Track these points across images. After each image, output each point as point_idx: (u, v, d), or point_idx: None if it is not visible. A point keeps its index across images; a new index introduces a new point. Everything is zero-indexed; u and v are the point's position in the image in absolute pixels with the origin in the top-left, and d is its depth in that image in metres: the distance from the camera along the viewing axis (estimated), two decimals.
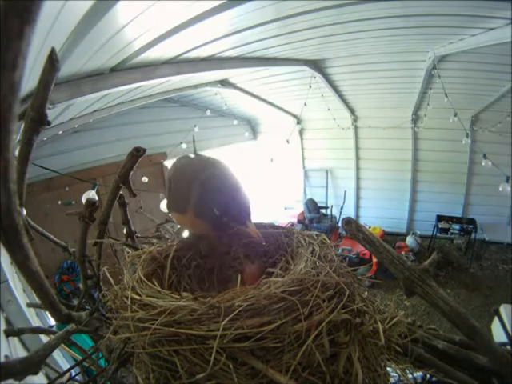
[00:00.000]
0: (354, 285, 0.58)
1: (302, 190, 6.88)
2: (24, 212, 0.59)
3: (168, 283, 0.67)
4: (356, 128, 5.94)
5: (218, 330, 0.44)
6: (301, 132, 6.49)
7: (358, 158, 6.22)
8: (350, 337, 0.49)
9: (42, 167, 2.49)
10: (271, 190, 6.99)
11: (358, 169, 6.32)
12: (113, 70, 2.07)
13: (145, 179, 3.77)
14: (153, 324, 0.47)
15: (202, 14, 1.71)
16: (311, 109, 5.08)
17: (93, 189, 2.20)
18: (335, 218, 6.22)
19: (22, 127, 0.48)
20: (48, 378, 0.95)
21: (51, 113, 2.11)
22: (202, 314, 0.47)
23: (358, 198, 6.50)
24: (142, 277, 0.60)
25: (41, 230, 0.84)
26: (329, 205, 6.41)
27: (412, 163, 5.81)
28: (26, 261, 0.32)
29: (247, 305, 0.47)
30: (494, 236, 5.19)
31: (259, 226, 0.83)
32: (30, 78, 1.19)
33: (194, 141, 4.43)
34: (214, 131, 5.76)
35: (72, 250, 0.90)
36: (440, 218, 5.54)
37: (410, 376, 0.55)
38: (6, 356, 0.79)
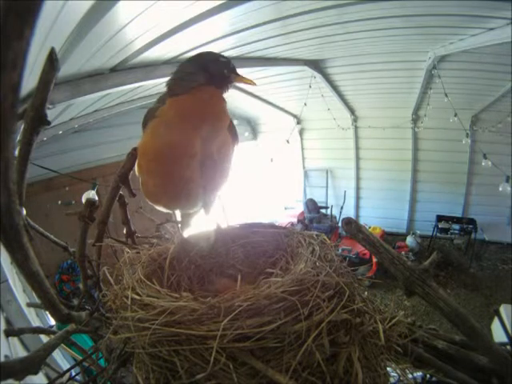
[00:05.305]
0: (353, 285, 0.58)
1: (302, 190, 6.86)
2: (24, 212, 0.59)
3: (168, 284, 0.67)
4: (356, 128, 5.93)
5: (218, 330, 0.44)
6: (301, 132, 6.48)
7: (358, 158, 6.21)
8: (350, 337, 0.49)
9: (42, 167, 2.48)
10: (271, 190, 6.98)
11: (358, 169, 6.30)
12: (113, 70, 2.07)
13: None
14: (153, 324, 0.47)
15: (201, 13, 1.72)
16: (311, 109, 5.07)
17: (93, 189, 2.20)
18: (335, 217, 6.21)
19: (22, 127, 0.48)
20: (48, 378, 0.95)
21: (51, 113, 2.11)
22: (202, 314, 0.47)
23: (357, 198, 6.49)
24: (142, 277, 0.60)
25: (41, 229, 0.84)
26: (329, 205, 6.40)
27: (412, 163, 5.80)
28: (26, 261, 0.32)
29: (247, 305, 0.47)
30: (494, 236, 5.18)
31: (259, 225, 0.83)
32: (30, 78, 1.19)
33: None
34: None
35: (72, 250, 0.89)
36: (440, 218, 5.53)
37: (409, 376, 0.55)
38: (6, 356, 0.79)
